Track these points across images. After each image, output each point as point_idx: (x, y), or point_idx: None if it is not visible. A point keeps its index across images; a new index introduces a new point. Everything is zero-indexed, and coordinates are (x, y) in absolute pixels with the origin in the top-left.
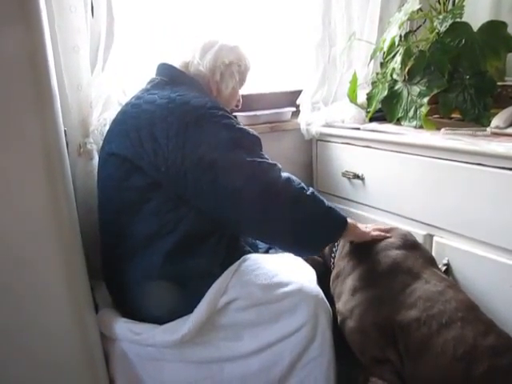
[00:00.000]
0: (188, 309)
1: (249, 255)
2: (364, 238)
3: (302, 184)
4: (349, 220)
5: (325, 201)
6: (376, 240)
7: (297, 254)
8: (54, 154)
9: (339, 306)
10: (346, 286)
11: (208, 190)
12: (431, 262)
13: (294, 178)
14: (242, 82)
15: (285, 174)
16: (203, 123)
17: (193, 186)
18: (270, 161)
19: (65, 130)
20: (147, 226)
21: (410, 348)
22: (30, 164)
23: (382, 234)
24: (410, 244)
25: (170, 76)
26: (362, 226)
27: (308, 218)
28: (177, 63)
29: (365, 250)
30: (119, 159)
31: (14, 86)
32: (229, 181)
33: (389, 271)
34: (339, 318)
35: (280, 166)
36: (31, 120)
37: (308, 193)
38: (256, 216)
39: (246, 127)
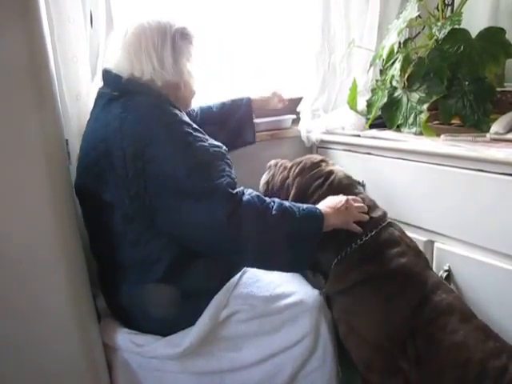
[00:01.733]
0: (189, 321)
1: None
2: (343, 222)
3: (267, 201)
4: (322, 209)
5: (294, 210)
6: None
7: (288, 270)
8: (56, 164)
9: (344, 318)
10: (355, 298)
11: (173, 219)
12: (431, 268)
13: (256, 197)
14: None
15: (245, 198)
16: (159, 143)
17: (158, 213)
18: (228, 182)
19: (66, 140)
20: (132, 255)
21: (417, 355)
22: (32, 174)
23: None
24: (415, 250)
25: (119, 89)
26: (335, 209)
27: (281, 237)
28: (123, 73)
29: (374, 259)
30: (85, 195)
31: (16, 96)
32: (189, 211)
33: (400, 282)
34: (343, 332)
35: (242, 188)
36: (33, 130)
37: (273, 211)
38: (224, 247)
39: (204, 142)
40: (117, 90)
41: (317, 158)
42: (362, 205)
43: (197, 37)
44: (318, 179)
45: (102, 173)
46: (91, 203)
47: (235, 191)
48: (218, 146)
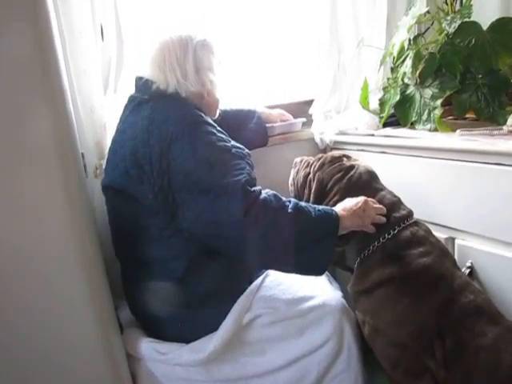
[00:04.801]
0: (212, 326)
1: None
2: (359, 224)
3: (283, 200)
4: (337, 211)
5: (310, 209)
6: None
7: (306, 272)
8: (73, 178)
9: (368, 319)
10: (378, 298)
11: (193, 215)
12: (458, 268)
13: (272, 196)
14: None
15: (262, 196)
16: (183, 141)
17: (180, 209)
18: (247, 179)
19: (82, 153)
20: (154, 251)
21: (445, 356)
22: (49, 189)
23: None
24: (441, 250)
25: (149, 93)
26: (351, 212)
27: (297, 236)
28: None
29: (396, 259)
30: (112, 191)
31: (30, 113)
32: (208, 207)
33: (424, 282)
34: (368, 332)
35: (259, 187)
36: (49, 146)
37: (289, 209)
38: (241, 244)
39: (226, 142)
40: (146, 94)
41: (339, 153)
42: (381, 206)
43: (216, 46)
44: (337, 173)
45: (128, 169)
46: (117, 199)
47: (253, 189)
48: (240, 148)
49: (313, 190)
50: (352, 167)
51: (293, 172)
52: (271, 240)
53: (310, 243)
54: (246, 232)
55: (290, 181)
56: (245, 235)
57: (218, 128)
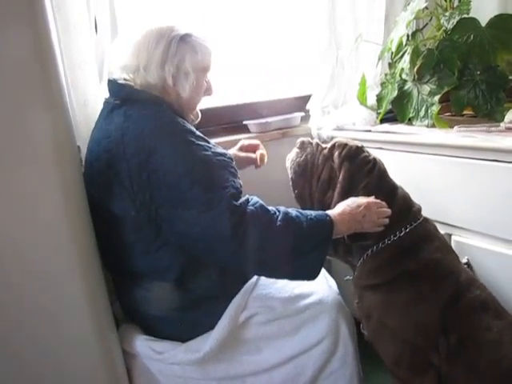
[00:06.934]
0: (208, 325)
1: None
2: (357, 229)
3: (271, 212)
4: (332, 216)
5: (301, 219)
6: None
7: (298, 278)
8: (70, 170)
9: (374, 314)
10: (388, 293)
11: (180, 229)
12: (462, 264)
13: (259, 208)
14: (204, 71)
15: (249, 209)
16: (162, 154)
17: (165, 223)
18: (232, 193)
19: (78, 146)
20: (143, 265)
21: (449, 351)
22: (47, 181)
23: (379, 221)
24: (449, 248)
25: (121, 97)
26: (348, 216)
27: (287, 248)
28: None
29: (412, 254)
30: (91, 206)
31: (27, 104)
32: (193, 222)
33: (434, 278)
34: (373, 327)
35: (246, 196)
36: (46, 137)
37: (278, 222)
38: (230, 258)
39: (207, 151)
40: (118, 99)
41: (356, 142)
42: (386, 210)
43: (206, 48)
44: (366, 164)
45: (106, 184)
46: (98, 214)
47: (239, 203)
48: (221, 155)
49: (340, 179)
50: (375, 159)
51: (296, 151)
52: (261, 254)
53: (301, 254)
54: (235, 248)
55: (293, 157)
56: (234, 251)
57: (198, 133)
